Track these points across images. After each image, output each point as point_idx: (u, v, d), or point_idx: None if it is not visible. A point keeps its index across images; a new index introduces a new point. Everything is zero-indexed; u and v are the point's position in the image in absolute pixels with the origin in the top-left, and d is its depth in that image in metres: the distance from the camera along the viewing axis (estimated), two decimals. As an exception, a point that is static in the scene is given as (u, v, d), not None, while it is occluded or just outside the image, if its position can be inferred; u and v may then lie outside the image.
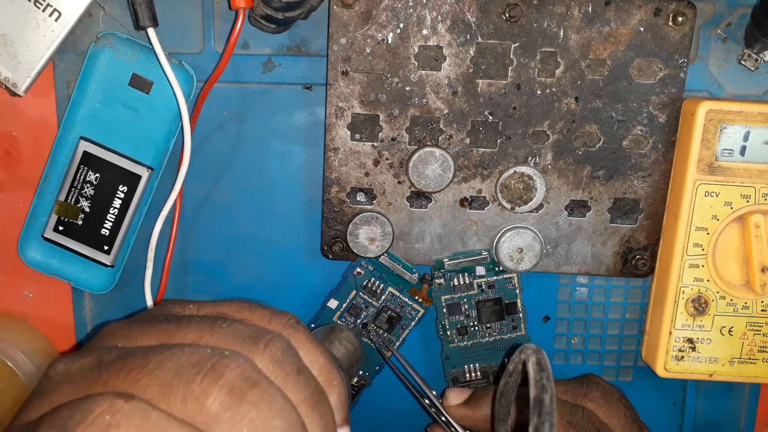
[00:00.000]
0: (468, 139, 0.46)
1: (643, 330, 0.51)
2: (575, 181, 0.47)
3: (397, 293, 0.49)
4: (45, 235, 0.47)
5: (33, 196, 0.48)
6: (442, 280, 0.49)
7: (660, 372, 0.48)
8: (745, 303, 0.47)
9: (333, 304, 0.49)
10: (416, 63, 0.45)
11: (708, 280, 0.46)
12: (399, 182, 0.47)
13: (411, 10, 0.44)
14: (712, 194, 0.45)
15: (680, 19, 0.44)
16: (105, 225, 0.47)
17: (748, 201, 0.45)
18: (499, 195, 0.47)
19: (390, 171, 0.47)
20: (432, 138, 0.46)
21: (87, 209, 0.47)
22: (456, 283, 0.49)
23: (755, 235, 0.45)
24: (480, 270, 0.49)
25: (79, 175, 0.46)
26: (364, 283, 0.49)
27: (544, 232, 0.48)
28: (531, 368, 0.31)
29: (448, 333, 0.50)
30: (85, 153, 0.46)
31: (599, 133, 0.46)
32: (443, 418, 0.48)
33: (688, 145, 0.45)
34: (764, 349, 0.47)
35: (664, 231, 0.48)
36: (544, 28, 0.45)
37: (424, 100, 0.46)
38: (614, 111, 0.46)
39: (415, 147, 0.46)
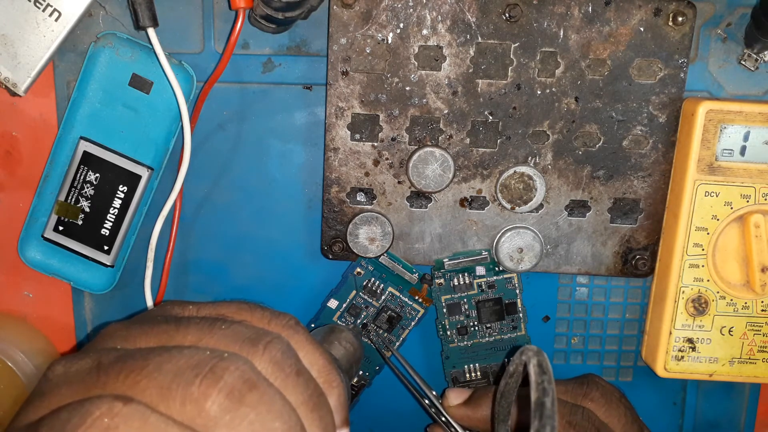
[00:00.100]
0: (468, 139, 0.46)
1: (643, 330, 0.51)
2: (575, 181, 0.47)
3: (397, 293, 0.49)
4: (45, 235, 0.47)
5: (33, 196, 0.48)
6: (442, 280, 0.49)
7: (660, 372, 0.48)
8: (745, 303, 0.47)
9: (333, 304, 0.49)
10: (416, 63, 0.45)
11: (708, 280, 0.46)
12: (399, 182, 0.47)
13: (411, 10, 0.44)
14: (712, 194, 0.45)
15: (680, 19, 0.44)
16: (105, 225, 0.47)
17: (748, 201, 0.45)
18: (499, 195, 0.47)
19: (390, 171, 0.47)
20: (432, 138, 0.46)
21: (87, 209, 0.47)
22: (456, 283, 0.49)
23: (755, 235, 0.45)
24: (480, 270, 0.49)
25: (79, 175, 0.46)
26: (364, 283, 0.49)
27: (544, 232, 0.48)
28: (532, 371, 0.31)
29: (448, 333, 0.50)
30: (85, 153, 0.46)
31: (599, 133, 0.46)
32: (443, 418, 0.48)
33: (688, 145, 0.45)
34: (764, 349, 0.47)
35: (664, 231, 0.48)
36: (544, 28, 0.45)
37: (424, 100, 0.46)
38: (614, 111, 0.46)
39: (415, 147, 0.46)
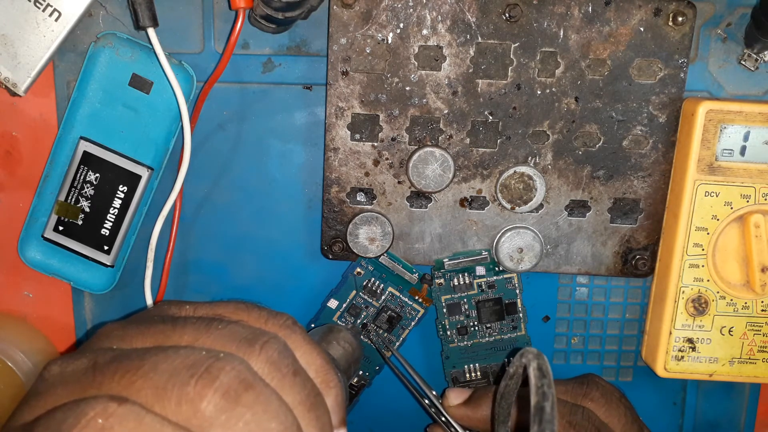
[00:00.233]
0: (468, 139, 0.46)
1: (643, 330, 0.51)
2: (575, 181, 0.47)
3: (397, 293, 0.49)
4: (45, 235, 0.47)
5: (33, 196, 0.48)
6: (442, 280, 0.49)
7: (660, 372, 0.48)
8: (745, 303, 0.47)
9: (333, 304, 0.49)
10: (416, 63, 0.45)
11: (708, 280, 0.46)
12: (399, 182, 0.47)
13: (411, 10, 0.44)
14: (712, 194, 0.45)
15: (680, 19, 0.44)
16: (105, 225, 0.47)
17: (748, 201, 0.45)
18: (499, 195, 0.47)
19: (390, 171, 0.47)
20: (432, 138, 0.46)
21: (87, 209, 0.47)
22: (456, 283, 0.49)
23: (755, 235, 0.45)
24: (480, 270, 0.49)
25: (79, 175, 0.46)
26: (364, 283, 0.49)
27: (544, 232, 0.48)
28: (532, 374, 0.31)
29: (448, 333, 0.50)
30: (85, 153, 0.46)
31: (599, 133, 0.46)
32: (443, 418, 0.48)
33: (688, 145, 0.45)
34: (764, 349, 0.47)
35: (664, 231, 0.48)
36: (544, 28, 0.45)
37: (424, 100, 0.46)
38: (614, 111, 0.46)
39: (415, 147, 0.46)
